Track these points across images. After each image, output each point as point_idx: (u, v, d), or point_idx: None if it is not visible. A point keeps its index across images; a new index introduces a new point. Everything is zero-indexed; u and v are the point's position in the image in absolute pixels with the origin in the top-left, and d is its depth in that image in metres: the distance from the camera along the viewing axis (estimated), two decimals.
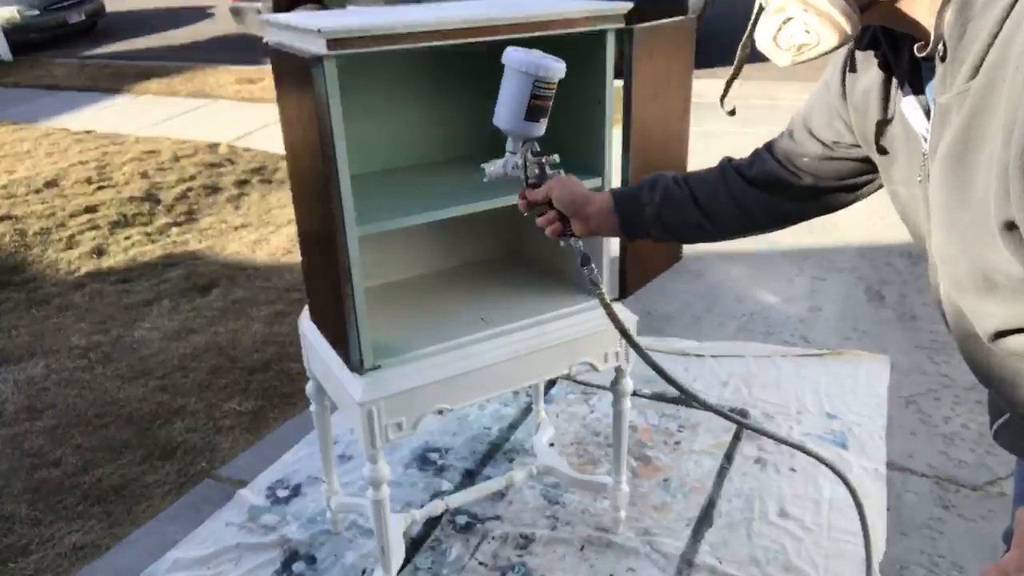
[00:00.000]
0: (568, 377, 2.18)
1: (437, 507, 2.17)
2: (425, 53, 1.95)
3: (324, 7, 8.06)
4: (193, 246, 4.47)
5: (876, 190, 1.19)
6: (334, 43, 1.39)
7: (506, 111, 1.34)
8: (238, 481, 2.53)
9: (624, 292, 1.85)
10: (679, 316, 3.37)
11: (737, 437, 2.62)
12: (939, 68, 0.84)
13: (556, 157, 1.39)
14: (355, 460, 2.60)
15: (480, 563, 2.16)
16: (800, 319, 3.32)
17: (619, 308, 1.93)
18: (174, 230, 4.69)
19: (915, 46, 0.88)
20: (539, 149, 1.38)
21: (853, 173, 1.17)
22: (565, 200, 1.33)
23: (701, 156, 5.28)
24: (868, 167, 1.13)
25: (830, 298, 3.47)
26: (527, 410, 2.82)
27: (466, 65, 2.02)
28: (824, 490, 2.35)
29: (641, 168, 1.83)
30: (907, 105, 0.96)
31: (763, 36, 0.93)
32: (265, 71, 8.29)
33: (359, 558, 2.19)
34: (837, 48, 0.89)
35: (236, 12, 8.74)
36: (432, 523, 2.30)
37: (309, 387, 2.06)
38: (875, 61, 0.99)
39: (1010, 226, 0.76)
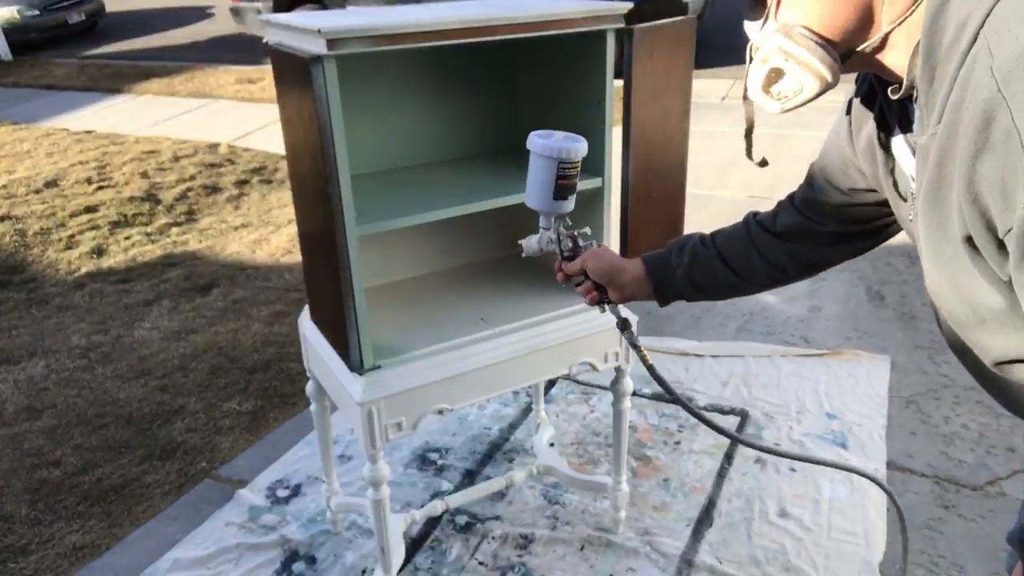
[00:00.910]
0: (568, 377, 2.18)
1: (437, 507, 2.17)
2: (425, 53, 1.95)
3: (324, 7, 8.06)
4: (193, 246, 4.47)
5: (900, 231, 1.20)
6: (334, 43, 1.39)
7: (536, 193, 1.40)
8: (238, 481, 2.54)
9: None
10: (679, 316, 3.37)
11: None
12: (917, 111, 0.88)
13: (588, 230, 1.46)
14: (355, 460, 2.60)
15: (480, 563, 2.16)
16: (800, 319, 3.32)
17: (619, 308, 1.93)
18: (174, 230, 4.69)
19: (889, 89, 0.93)
20: (571, 223, 1.44)
21: (875, 217, 1.19)
22: (601, 271, 1.38)
23: (702, 156, 5.29)
24: (888, 209, 1.14)
25: (830, 298, 3.47)
26: (527, 410, 2.82)
27: (466, 65, 2.03)
28: (824, 490, 2.35)
29: (641, 168, 1.83)
30: (897, 147, 1.00)
31: (753, 85, 0.98)
32: (265, 71, 8.30)
33: (359, 558, 2.19)
34: (820, 95, 0.95)
35: (236, 12, 8.74)
36: (432, 523, 2.30)
37: (309, 387, 2.06)
38: (873, 106, 1.03)
39: (969, 240, 0.78)
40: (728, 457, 2.53)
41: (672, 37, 1.82)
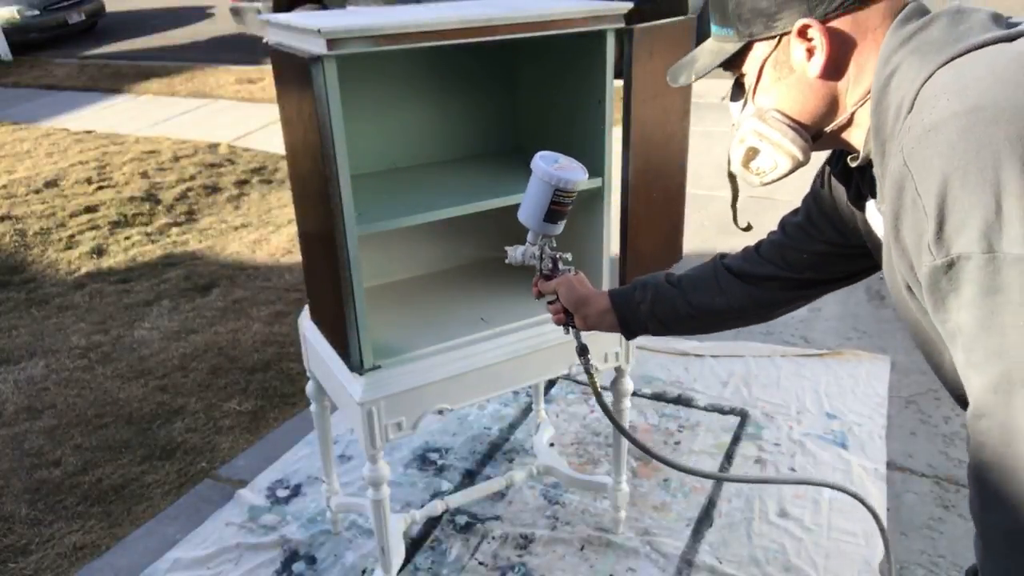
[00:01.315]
0: (568, 377, 2.18)
1: (437, 507, 2.17)
2: (425, 53, 1.95)
3: (324, 7, 8.06)
4: (193, 246, 4.47)
5: (872, 273, 1.27)
6: (334, 43, 1.39)
7: (528, 210, 1.45)
8: (238, 481, 2.54)
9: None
10: None
11: (737, 437, 2.62)
12: (877, 181, 0.96)
13: (569, 255, 1.52)
14: (355, 460, 2.60)
15: (480, 563, 2.16)
16: (800, 319, 3.32)
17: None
18: (174, 230, 4.69)
19: (848, 157, 1.03)
20: (555, 245, 1.50)
21: (851, 267, 1.27)
22: (570, 299, 1.47)
23: (701, 156, 5.29)
24: (864, 260, 1.22)
25: (830, 298, 3.47)
26: (527, 410, 2.82)
27: (466, 65, 2.03)
28: (824, 490, 2.35)
29: (641, 168, 1.83)
30: (870, 211, 1.09)
31: (734, 162, 1.09)
32: (265, 71, 8.29)
33: (359, 558, 2.19)
34: (793, 171, 1.05)
35: (236, 12, 8.74)
36: (432, 523, 2.30)
37: (309, 387, 2.07)
38: (847, 174, 1.12)
39: (908, 288, 0.86)
40: (728, 457, 2.53)
41: (672, 37, 1.82)
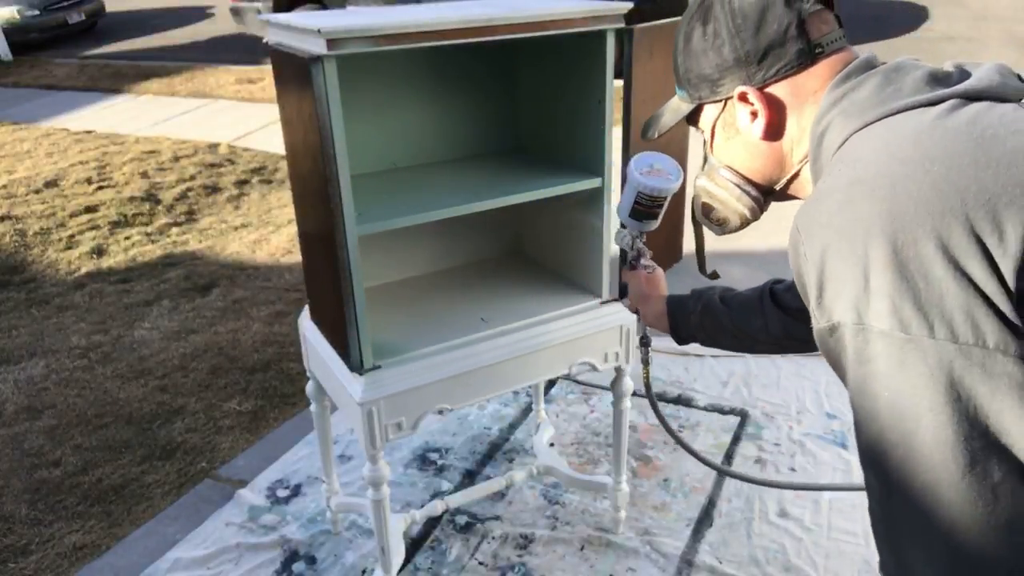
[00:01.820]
0: (568, 377, 2.18)
1: (437, 507, 2.17)
2: (425, 53, 1.95)
3: (324, 7, 8.06)
4: (193, 246, 4.47)
5: None
6: (334, 43, 1.39)
7: (621, 204, 1.54)
8: (238, 481, 2.53)
9: (625, 292, 1.86)
10: None
11: (737, 437, 2.62)
12: None
13: (650, 253, 1.61)
14: (355, 460, 2.60)
15: (480, 563, 2.16)
16: None
17: (619, 308, 1.93)
18: (174, 230, 4.69)
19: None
20: (645, 240, 1.59)
21: None
22: (634, 295, 1.59)
23: (702, 156, 5.28)
24: None
25: None
26: (527, 410, 2.82)
27: (466, 65, 2.02)
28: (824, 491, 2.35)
29: None
30: None
31: (697, 213, 1.18)
32: (265, 71, 8.29)
33: (359, 558, 2.19)
34: (743, 227, 1.14)
35: (236, 12, 8.74)
36: (432, 523, 2.30)
37: (309, 387, 2.06)
38: None
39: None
40: (728, 457, 2.53)
41: (672, 37, 1.82)
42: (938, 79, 0.90)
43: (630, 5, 1.68)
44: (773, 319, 1.40)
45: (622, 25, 1.70)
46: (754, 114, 1.01)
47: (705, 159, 1.15)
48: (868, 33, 8.14)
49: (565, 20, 1.62)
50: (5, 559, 2.28)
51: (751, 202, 1.09)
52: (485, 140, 2.14)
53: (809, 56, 0.97)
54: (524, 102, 2.09)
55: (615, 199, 1.85)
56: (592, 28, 1.66)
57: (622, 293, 1.60)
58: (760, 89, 1.00)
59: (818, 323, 0.84)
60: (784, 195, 1.09)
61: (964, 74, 0.91)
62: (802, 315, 1.31)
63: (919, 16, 9.31)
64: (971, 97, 0.86)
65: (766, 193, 1.09)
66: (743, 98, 1.01)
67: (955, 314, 0.75)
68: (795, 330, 1.38)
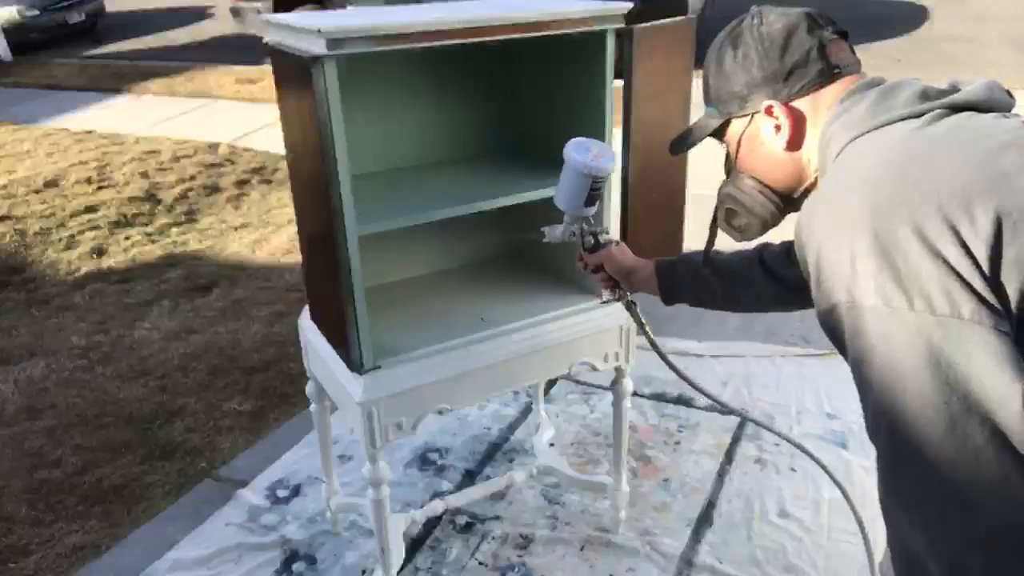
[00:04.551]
0: (568, 377, 2.18)
1: (437, 507, 2.17)
2: (425, 53, 1.95)
3: (324, 7, 8.06)
4: (193, 246, 4.47)
5: None
6: (334, 43, 1.39)
7: (566, 198, 1.54)
8: (238, 481, 2.53)
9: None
10: (679, 316, 3.36)
11: (737, 437, 2.62)
12: None
13: (608, 227, 1.65)
14: (355, 460, 2.60)
15: (480, 563, 2.16)
16: (800, 319, 3.31)
17: (619, 308, 1.93)
18: (174, 230, 4.69)
19: None
20: (592, 222, 1.60)
21: None
22: (616, 272, 1.62)
23: (701, 156, 5.28)
24: None
25: None
26: (527, 410, 2.82)
27: (466, 65, 2.02)
28: (824, 490, 2.35)
29: (641, 168, 1.83)
30: None
31: (720, 220, 1.29)
32: (265, 71, 8.27)
33: (359, 558, 2.19)
34: (764, 232, 1.24)
35: (236, 12, 8.73)
36: (432, 523, 2.30)
37: (309, 387, 2.06)
38: None
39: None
40: (728, 457, 2.53)
41: (672, 37, 1.82)
42: (929, 96, 1.00)
43: (630, 5, 1.68)
44: (764, 286, 1.49)
45: (622, 25, 1.70)
46: (777, 128, 1.11)
47: (729, 170, 1.24)
48: (868, 33, 8.13)
49: (565, 20, 1.62)
50: (5, 559, 2.28)
51: (773, 208, 1.19)
52: (485, 140, 2.14)
53: (828, 75, 1.09)
54: (524, 102, 2.09)
55: (615, 199, 1.85)
56: (592, 28, 1.66)
57: (628, 307, 1.63)
58: (785, 104, 1.10)
59: (819, 306, 0.94)
60: (802, 200, 1.17)
61: (955, 89, 1.01)
62: (792, 282, 1.41)
63: (919, 16, 9.30)
64: (956, 108, 0.97)
65: (785, 201, 1.19)
66: (769, 111, 1.11)
67: (932, 290, 0.83)
68: (785, 296, 1.47)
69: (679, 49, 1.86)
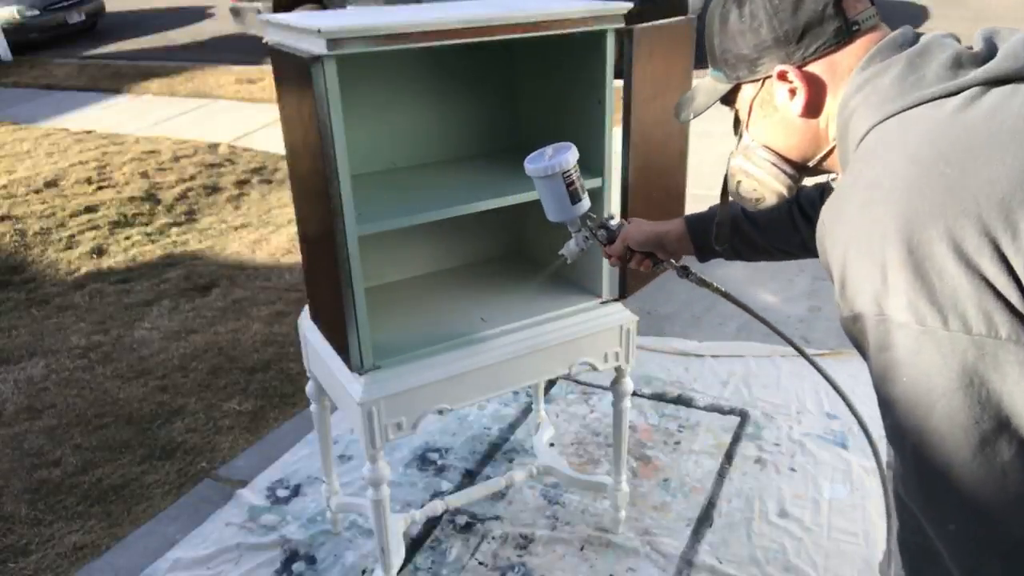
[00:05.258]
0: (568, 377, 2.18)
1: (437, 507, 2.17)
2: (425, 53, 1.95)
3: (324, 7, 8.06)
4: (193, 246, 4.47)
5: None
6: (334, 43, 1.39)
7: (554, 209, 1.51)
8: (238, 481, 2.53)
9: (624, 292, 1.87)
10: (679, 316, 3.37)
11: (737, 437, 2.62)
12: None
13: (614, 212, 1.58)
14: (355, 460, 2.60)
15: (480, 563, 2.16)
16: (800, 319, 3.32)
17: (619, 308, 1.93)
18: (174, 230, 4.69)
19: (829, 179, 1.17)
20: (594, 215, 1.56)
21: None
22: (646, 243, 1.57)
23: (701, 156, 5.29)
24: None
25: (830, 298, 3.46)
26: (527, 410, 2.82)
27: (466, 65, 2.02)
28: (824, 490, 2.35)
29: (641, 168, 1.83)
30: None
31: (732, 191, 1.19)
32: (265, 71, 8.28)
33: (359, 558, 2.19)
34: (779, 203, 1.15)
35: (236, 12, 8.73)
36: (432, 523, 2.30)
37: (309, 387, 2.06)
38: None
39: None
40: (728, 457, 2.53)
41: (672, 37, 1.82)
42: (963, 63, 0.91)
43: (630, 5, 1.68)
44: (807, 232, 1.41)
45: (622, 25, 1.70)
46: (793, 92, 1.02)
47: (740, 139, 1.15)
48: None
49: (565, 20, 1.62)
50: (5, 559, 2.28)
51: (787, 179, 1.11)
52: (485, 140, 2.14)
53: (846, 34, 0.99)
54: (524, 102, 2.09)
55: (615, 199, 1.85)
56: (592, 28, 1.66)
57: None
58: (799, 67, 1.01)
59: (842, 312, 0.90)
60: (818, 170, 1.11)
61: (992, 50, 0.92)
62: None
63: (919, 16, 9.30)
64: (994, 81, 0.87)
65: (800, 170, 1.11)
66: (782, 76, 1.02)
67: (968, 308, 0.79)
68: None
69: (679, 49, 1.86)
